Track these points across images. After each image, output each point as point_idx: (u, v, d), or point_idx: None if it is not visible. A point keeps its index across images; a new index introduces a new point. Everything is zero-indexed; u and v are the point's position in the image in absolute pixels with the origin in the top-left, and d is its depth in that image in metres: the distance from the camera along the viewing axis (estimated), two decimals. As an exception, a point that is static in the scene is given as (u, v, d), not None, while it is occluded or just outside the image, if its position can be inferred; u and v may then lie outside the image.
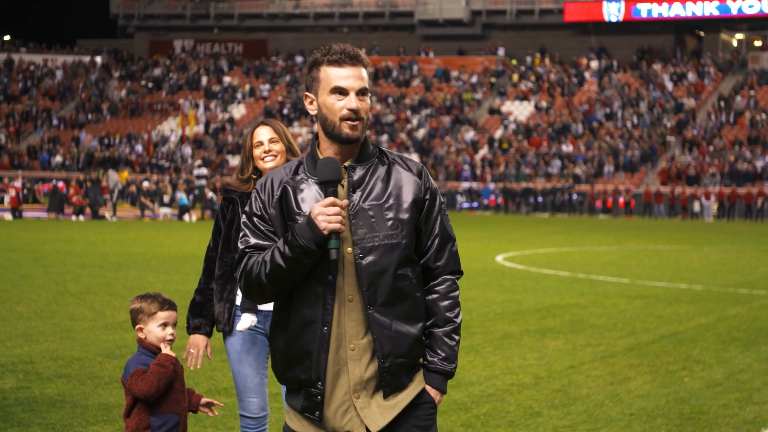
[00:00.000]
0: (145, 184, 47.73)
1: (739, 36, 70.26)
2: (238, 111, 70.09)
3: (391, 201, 3.86)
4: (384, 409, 3.84)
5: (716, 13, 65.55)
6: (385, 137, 64.74)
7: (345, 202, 3.79)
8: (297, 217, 3.85)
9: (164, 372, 4.78)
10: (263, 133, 5.72)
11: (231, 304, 5.63)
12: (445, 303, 3.93)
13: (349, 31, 75.96)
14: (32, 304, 14.12)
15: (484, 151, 62.32)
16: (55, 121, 70.28)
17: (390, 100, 68.57)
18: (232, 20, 77.16)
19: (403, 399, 3.86)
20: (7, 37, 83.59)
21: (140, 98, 72.09)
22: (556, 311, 14.76)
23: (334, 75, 3.90)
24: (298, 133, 66.44)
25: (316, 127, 3.99)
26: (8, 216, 38.46)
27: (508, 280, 19.07)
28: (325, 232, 3.73)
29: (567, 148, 59.94)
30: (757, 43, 68.80)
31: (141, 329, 4.89)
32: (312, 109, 3.95)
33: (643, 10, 66.95)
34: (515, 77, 68.61)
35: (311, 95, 3.95)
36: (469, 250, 26.72)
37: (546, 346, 11.63)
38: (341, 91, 3.89)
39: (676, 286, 18.55)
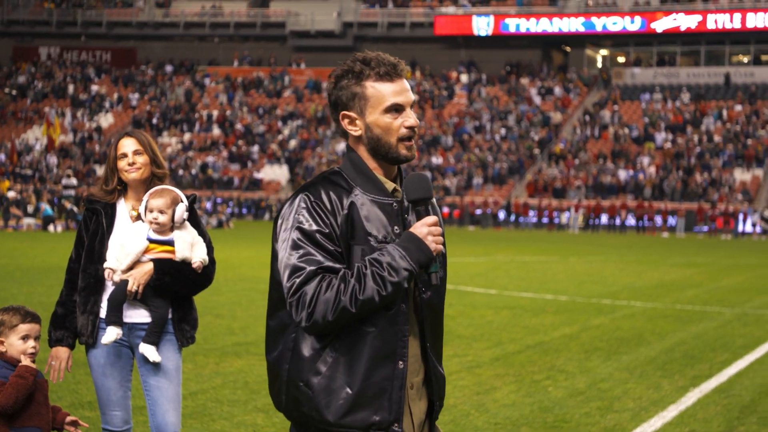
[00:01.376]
0: (11, 193, 46.57)
1: (604, 52, 72.02)
2: (105, 120, 68.95)
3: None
4: None
5: (582, 29, 67.07)
6: (256, 148, 64.46)
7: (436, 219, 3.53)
8: (369, 238, 3.47)
9: (23, 383, 4.69)
10: (127, 145, 5.65)
11: (95, 317, 5.56)
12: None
13: (220, 41, 75.45)
14: None
15: (355, 162, 62.49)
16: None
17: (261, 110, 68.31)
18: (100, 28, 75.88)
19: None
20: None
21: (4, 106, 70.35)
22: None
23: (388, 91, 3.52)
24: (168, 143, 65.72)
25: (351, 143, 3.63)
26: None
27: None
28: (434, 254, 3.46)
29: (437, 160, 60.57)
30: (621, 59, 70.63)
31: (2, 342, 4.80)
32: (355, 130, 3.57)
33: (512, 24, 68.10)
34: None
35: (353, 114, 3.56)
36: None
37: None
38: (398, 109, 3.54)
39: (542, 296, 18.88)
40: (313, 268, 3.39)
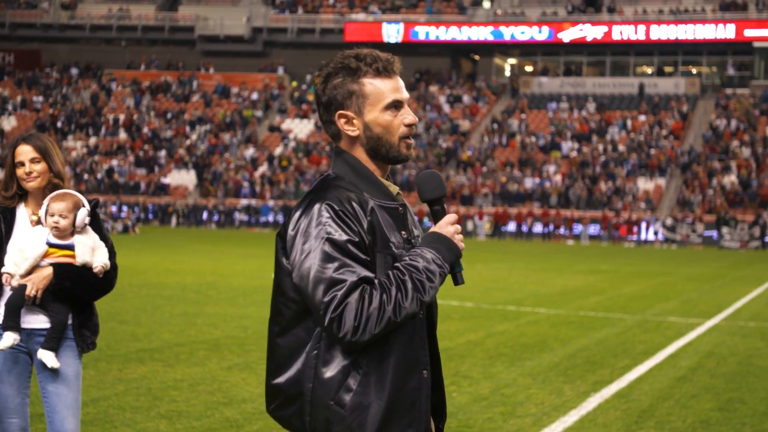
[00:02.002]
0: None
1: (512, 61, 72.81)
2: (8, 123, 67.73)
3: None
4: None
5: (490, 38, 67.74)
6: (163, 153, 63.88)
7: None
8: (389, 244, 3.33)
9: None
10: (24, 152, 5.55)
11: None
12: None
13: (127, 44, 74.63)
14: None
15: (263, 168, 62.30)
16: None
17: (168, 115, 67.72)
18: (3, 29, 74.44)
19: None
20: None
21: None
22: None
23: (387, 87, 3.41)
24: (73, 147, 64.82)
25: (345, 145, 3.47)
26: None
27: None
28: (457, 255, 3.37)
29: (346, 166, 60.60)
30: (528, 69, 71.48)
31: None
32: (352, 130, 3.41)
33: (421, 32, 68.50)
34: (295, 95, 68.98)
35: (349, 113, 3.40)
36: (247, 267, 26.68)
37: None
38: (397, 106, 3.42)
39: (448, 303, 19.00)
40: (354, 279, 3.19)
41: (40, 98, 69.61)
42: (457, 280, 3.42)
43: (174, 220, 57.72)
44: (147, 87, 70.76)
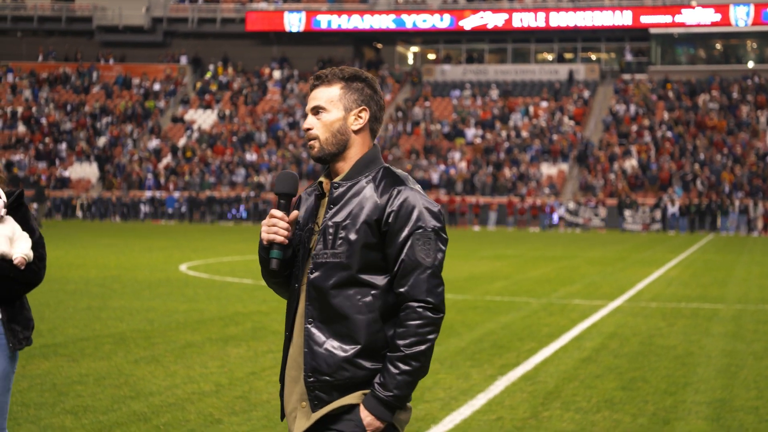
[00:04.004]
0: None
1: (415, 49, 73.08)
2: None
3: (348, 221, 3.82)
4: (308, 420, 3.84)
5: (392, 26, 67.90)
6: (64, 145, 62.87)
7: (294, 214, 3.91)
8: (298, 224, 4.01)
9: None
10: None
11: None
12: (400, 330, 3.75)
13: (23, 35, 73.19)
14: None
15: (167, 159, 61.68)
16: None
17: (69, 107, 66.63)
18: None
19: (326, 409, 3.81)
20: None
21: None
22: (239, 319, 14.83)
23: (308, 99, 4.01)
24: (-30, 140, 63.39)
25: None
26: None
27: (191, 289, 18.98)
28: (265, 243, 3.89)
29: (251, 156, 60.32)
30: (431, 56, 71.81)
31: None
32: None
33: (323, 21, 68.39)
34: (198, 85, 68.39)
35: None
36: (152, 260, 26.42)
37: (228, 354, 11.68)
38: (305, 115, 4.00)
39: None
40: None
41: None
42: (270, 265, 3.91)
43: (81, 214, 56.88)
44: (45, 79, 69.51)
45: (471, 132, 61.36)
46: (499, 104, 63.81)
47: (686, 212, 50.80)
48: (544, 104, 63.34)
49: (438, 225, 3.83)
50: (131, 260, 26.06)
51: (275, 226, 3.88)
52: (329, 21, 68.38)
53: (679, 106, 60.89)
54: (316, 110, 3.91)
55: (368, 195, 3.84)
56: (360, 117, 3.93)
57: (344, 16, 68.04)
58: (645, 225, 51.27)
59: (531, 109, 62.91)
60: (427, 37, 70.35)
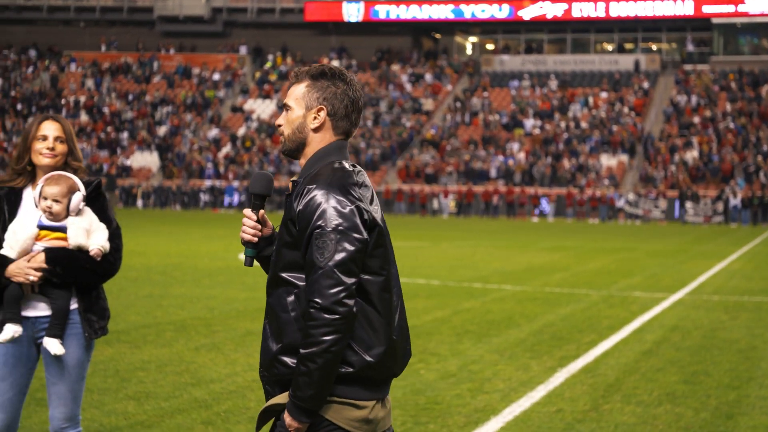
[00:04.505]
0: None
1: (473, 39, 72.83)
2: (-32, 106, 67.05)
3: (283, 220, 3.90)
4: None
5: (451, 16, 67.71)
6: (125, 135, 63.50)
7: (261, 213, 4.05)
8: None
9: None
10: (50, 128, 5.39)
11: None
12: (303, 332, 3.76)
13: (86, 26, 73.99)
14: None
15: (226, 148, 62.06)
16: None
17: (130, 96, 67.26)
18: (-40, 11, 73.71)
19: (267, 404, 3.90)
20: None
21: None
22: (297, 308, 14.85)
23: None
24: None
25: None
26: None
27: (251, 278, 19.08)
28: (241, 242, 4.08)
29: (309, 146, 60.46)
30: (489, 47, 71.52)
31: None
32: None
33: (382, 11, 68.36)
34: (257, 75, 68.70)
35: None
36: (212, 248, 26.61)
37: (287, 343, 11.70)
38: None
39: (414, 281, 19.05)
40: None
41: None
42: (245, 262, 4.10)
43: (141, 202, 57.47)
44: (107, 68, 70.21)
45: (530, 123, 61.05)
46: (558, 95, 63.41)
47: (749, 204, 50.18)
48: (604, 95, 62.82)
49: (343, 224, 3.74)
50: (191, 248, 26.27)
51: (245, 225, 4.05)
52: (388, 11, 68.34)
53: (742, 97, 60.09)
54: (285, 107, 4.02)
55: (294, 194, 3.88)
56: (318, 116, 3.95)
57: (403, 6, 67.95)
58: (707, 217, 50.71)
59: (590, 99, 62.44)
60: (486, 28, 70.07)
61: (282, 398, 3.86)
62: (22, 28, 73.76)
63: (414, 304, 15.57)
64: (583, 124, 60.12)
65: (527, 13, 66.50)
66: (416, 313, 14.55)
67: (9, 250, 5.28)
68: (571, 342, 12.13)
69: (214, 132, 63.53)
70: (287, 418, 3.79)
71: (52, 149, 5.37)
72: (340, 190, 3.79)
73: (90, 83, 68.97)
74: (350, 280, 3.72)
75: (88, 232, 5.33)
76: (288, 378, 3.82)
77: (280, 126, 4.01)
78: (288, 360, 3.82)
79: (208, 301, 15.36)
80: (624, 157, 57.48)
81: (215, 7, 71.64)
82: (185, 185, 57.90)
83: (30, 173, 5.44)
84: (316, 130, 3.95)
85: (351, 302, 3.72)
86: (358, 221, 3.76)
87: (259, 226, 4.06)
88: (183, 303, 15.02)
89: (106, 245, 5.38)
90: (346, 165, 3.90)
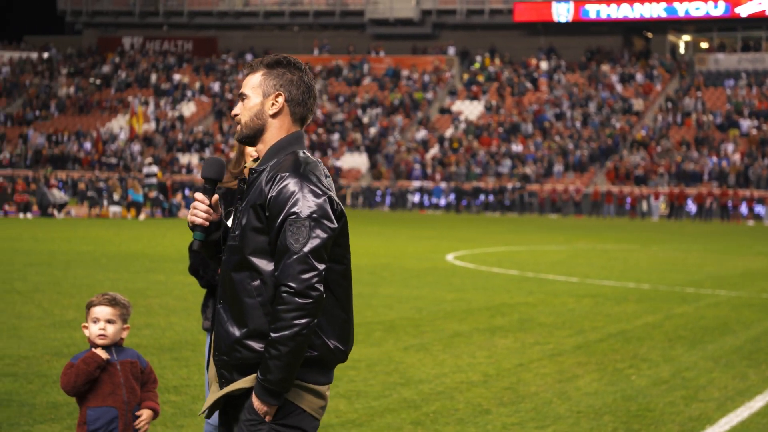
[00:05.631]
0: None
1: (686, 38, 70.97)
2: (188, 109, 69.70)
3: (244, 205, 3.97)
4: (214, 395, 4.00)
5: (663, 14, 66.18)
6: (336, 136, 64.73)
7: (214, 198, 4.09)
8: None
9: (84, 369, 4.82)
10: None
11: None
12: (273, 316, 3.81)
13: (300, 30, 75.81)
14: (-22, 302, 13.96)
15: (434, 150, 62.47)
16: (1, 118, 69.52)
17: (341, 98, 68.55)
18: (181, 17, 76.69)
19: (227, 389, 3.94)
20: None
21: (89, 95, 71.48)
22: (505, 310, 14.84)
23: None
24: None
25: None
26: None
27: (458, 279, 19.15)
28: (189, 225, 4.09)
29: (517, 147, 60.25)
30: (704, 45, 69.55)
31: (85, 327, 4.95)
32: None
33: (592, 11, 67.43)
34: (465, 77, 68.88)
35: None
36: (420, 249, 26.81)
37: (495, 345, 11.70)
38: None
39: (624, 285, 18.72)
40: None
41: (217, 84, 71.30)
42: (192, 246, 4.25)
43: (349, 202, 58.50)
44: (319, 71, 71.77)
45: (746, 123, 59.03)
46: (777, 94, 61.06)
47: None
48: (827, 94, 60.15)
49: (317, 212, 3.84)
50: (399, 249, 26.54)
51: (196, 209, 4.06)
52: (598, 10, 67.35)
53: None
54: (242, 96, 4.07)
55: (262, 180, 3.93)
56: (276, 101, 4.02)
57: (613, 5, 66.83)
58: None
59: (811, 98, 59.89)
60: (700, 26, 68.14)
61: (245, 382, 3.89)
62: (240, 33, 76.21)
63: (623, 308, 15.30)
64: (804, 125, 57.70)
65: (745, 10, 64.31)
66: (626, 317, 14.29)
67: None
68: (791, 351, 11.65)
69: (422, 133, 64.04)
70: (256, 402, 3.85)
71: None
72: (313, 180, 3.89)
73: (302, 86, 70.56)
74: (321, 266, 3.82)
75: None
76: (251, 363, 3.87)
77: (236, 116, 4.08)
78: (253, 344, 3.86)
79: (416, 301, 15.47)
80: None
81: (425, 10, 72.19)
82: (393, 186, 58.57)
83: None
84: (274, 116, 4.04)
85: (321, 288, 3.81)
86: (329, 210, 3.87)
87: (212, 210, 4.09)
88: (391, 303, 15.18)
89: None
90: (310, 156, 4.01)
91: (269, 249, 3.87)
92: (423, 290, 16.89)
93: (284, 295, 3.78)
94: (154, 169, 46.65)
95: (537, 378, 9.78)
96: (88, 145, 65.42)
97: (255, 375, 3.87)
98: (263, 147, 4.04)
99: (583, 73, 66.78)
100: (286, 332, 3.77)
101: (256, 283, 3.88)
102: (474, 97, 66.73)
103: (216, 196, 4.08)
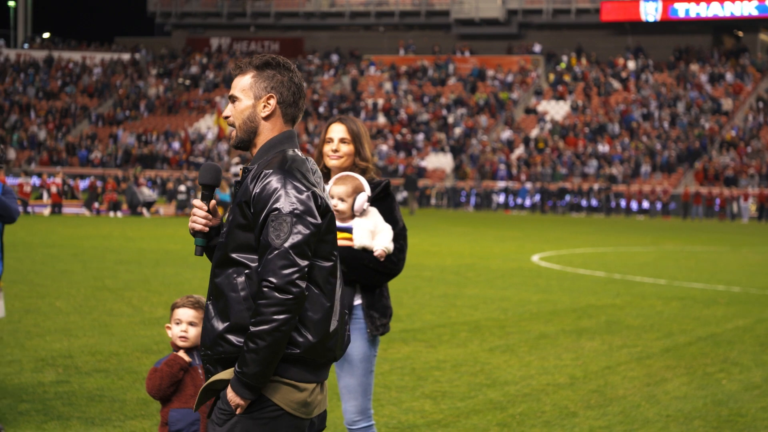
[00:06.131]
0: (182, 187, 47.87)
1: (779, 36, 69.70)
2: (274, 109, 70.24)
3: (233, 203, 4.00)
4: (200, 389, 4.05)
5: (755, 13, 65.04)
6: (421, 136, 64.74)
7: (212, 203, 4.15)
8: None
9: (168, 372, 4.87)
10: (336, 131, 5.65)
11: None
12: (254, 310, 3.83)
13: (385, 30, 75.96)
14: (71, 299, 14.23)
15: (519, 150, 62.16)
16: (93, 118, 70.80)
17: (426, 99, 68.55)
18: (268, 18, 77.36)
19: (208, 381, 3.97)
20: (46, 35, 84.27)
21: (177, 96, 72.46)
22: (592, 311, 14.72)
23: None
24: (334, 131, 66.35)
25: None
26: (46, 212, 38.75)
27: (544, 280, 19.03)
28: (191, 231, 4.14)
29: (603, 148, 59.68)
30: (797, 44, 68.24)
31: (169, 327, 5.01)
32: None
33: (681, 10, 66.54)
34: (552, 77, 68.43)
35: None
36: (505, 249, 26.71)
37: (582, 347, 11.60)
38: None
39: (713, 287, 18.44)
40: None
41: (303, 84, 71.69)
42: (195, 252, 4.18)
43: (434, 201, 58.48)
44: (404, 71, 71.84)
45: (840, 123, 57.76)
46: None
47: None
48: None
49: (300, 208, 3.85)
50: (484, 249, 26.45)
51: (195, 216, 4.11)
52: (687, 9, 66.43)
53: None
54: (232, 99, 4.08)
55: (248, 178, 3.96)
56: (268, 104, 4.04)
57: (703, 4, 65.87)
58: None
59: None
60: (793, 24, 66.88)
61: (225, 374, 3.91)
62: (326, 34, 76.64)
63: (713, 311, 15.08)
64: None
65: (838, 8, 62.95)
66: (715, 320, 14.07)
67: None
68: None
69: (507, 133, 63.76)
70: (230, 393, 3.86)
71: (336, 151, 5.59)
72: (297, 176, 3.90)
73: (388, 86, 70.76)
74: (303, 263, 3.82)
75: (372, 233, 5.47)
76: (232, 357, 3.89)
77: (228, 117, 4.08)
78: (233, 338, 3.88)
79: (501, 302, 15.42)
80: None
81: (510, 9, 71.89)
82: (478, 186, 58.40)
83: (326, 175, 5.66)
84: (266, 118, 4.06)
85: (303, 284, 3.81)
86: (313, 206, 3.88)
87: (210, 216, 4.13)
88: (476, 303, 15.14)
89: (390, 246, 5.49)
90: (299, 153, 4.01)
91: (254, 245, 3.90)
92: (508, 291, 16.82)
93: (265, 290, 3.81)
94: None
95: (625, 381, 9.68)
96: (176, 144, 66.30)
97: (233, 368, 3.90)
98: (255, 150, 4.09)
99: (672, 73, 65.93)
100: (265, 327, 3.79)
101: (241, 278, 3.91)
102: (560, 97, 66.26)
103: (214, 202, 4.14)
